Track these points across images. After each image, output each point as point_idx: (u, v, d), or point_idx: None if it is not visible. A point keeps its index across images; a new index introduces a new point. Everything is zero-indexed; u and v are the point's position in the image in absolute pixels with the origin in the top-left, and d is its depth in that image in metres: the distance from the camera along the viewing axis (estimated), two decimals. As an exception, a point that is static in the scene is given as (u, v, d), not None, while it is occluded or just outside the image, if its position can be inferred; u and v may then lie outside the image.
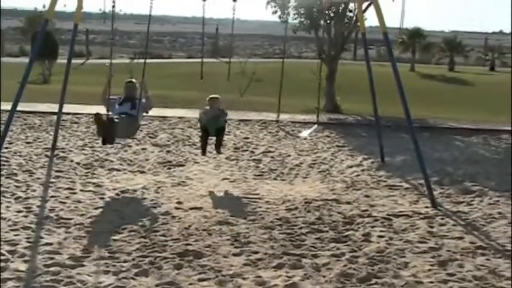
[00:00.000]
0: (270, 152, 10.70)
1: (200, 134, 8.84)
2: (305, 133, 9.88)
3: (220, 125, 8.41)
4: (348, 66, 24.72)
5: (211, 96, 8.54)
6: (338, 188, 8.59)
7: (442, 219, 7.28)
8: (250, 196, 8.00)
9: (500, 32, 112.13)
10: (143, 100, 8.37)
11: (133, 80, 8.74)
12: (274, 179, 9.01)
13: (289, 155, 10.46)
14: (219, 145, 8.57)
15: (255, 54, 42.27)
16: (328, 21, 16.71)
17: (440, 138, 12.67)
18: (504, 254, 6.18)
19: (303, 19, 16.68)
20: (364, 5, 12.67)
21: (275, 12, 16.44)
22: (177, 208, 7.36)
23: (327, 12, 16.48)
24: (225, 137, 9.98)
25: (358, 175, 9.35)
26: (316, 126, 9.86)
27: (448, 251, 6.21)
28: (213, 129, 8.40)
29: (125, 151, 10.20)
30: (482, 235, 6.75)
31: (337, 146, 11.41)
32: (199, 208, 7.38)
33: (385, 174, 9.42)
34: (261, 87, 19.01)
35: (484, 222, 7.24)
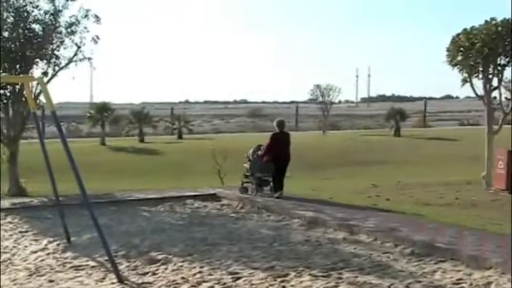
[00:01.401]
0: None
1: None
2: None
3: None
4: (35, 145, 24.06)
5: None
6: (21, 277, 8.15)
7: (128, 293, 7.34)
8: None
9: (186, 101, 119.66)
10: None
11: None
12: None
13: (-36, 249, 9.69)
14: None
15: None
16: (5, 101, 16.14)
17: (128, 211, 12.92)
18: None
19: (-25, 100, 15.82)
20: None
21: None
22: None
23: (2, 92, 15.95)
24: None
25: (42, 260, 9.01)
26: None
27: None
28: None
29: None
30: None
31: (21, 231, 10.92)
32: None
33: (72, 255, 9.22)
34: None
35: (169, 289, 7.47)
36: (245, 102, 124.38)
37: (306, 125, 54.47)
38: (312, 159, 26.49)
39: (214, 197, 14.65)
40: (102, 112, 35.04)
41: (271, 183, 14.47)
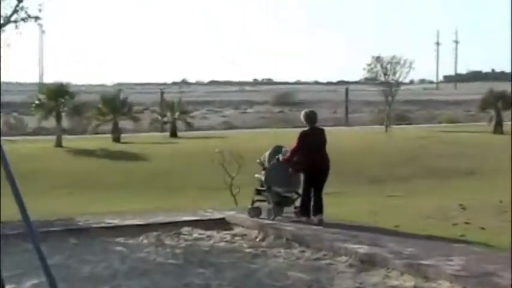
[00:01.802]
0: None
1: None
2: None
3: None
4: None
5: None
6: None
7: None
8: None
9: (184, 82, 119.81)
10: None
11: None
12: None
13: None
14: None
15: None
16: None
17: (95, 244, 13.02)
18: None
19: None
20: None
21: None
22: None
23: None
24: None
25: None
26: None
27: None
28: None
29: None
30: None
31: None
32: None
33: (6, 311, 9.25)
34: None
35: None
36: (270, 82, 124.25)
37: (360, 117, 54.35)
38: (370, 168, 26.37)
39: (222, 224, 14.75)
40: (57, 98, 35.05)
41: (297, 203, 14.68)
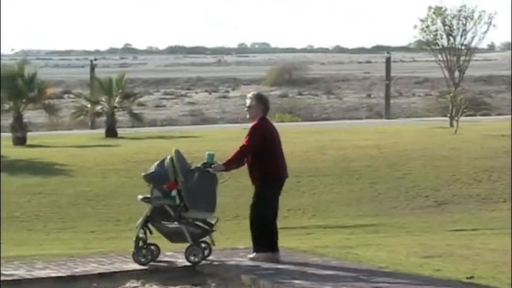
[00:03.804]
0: None
1: None
2: None
3: None
4: None
5: None
6: None
7: None
8: None
9: (127, 48, 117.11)
10: None
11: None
12: None
13: None
14: None
15: None
16: None
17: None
18: None
19: None
20: None
21: None
22: None
23: None
24: None
25: None
26: None
27: None
28: None
29: None
30: None
31: None
32: None
33: None
34: None
35: None
36: (267, 49, 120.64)
37: (409, 104, 52.34)
38: (425, 187, 25.77)
39: (190, 274, 13.70)
40: None
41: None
